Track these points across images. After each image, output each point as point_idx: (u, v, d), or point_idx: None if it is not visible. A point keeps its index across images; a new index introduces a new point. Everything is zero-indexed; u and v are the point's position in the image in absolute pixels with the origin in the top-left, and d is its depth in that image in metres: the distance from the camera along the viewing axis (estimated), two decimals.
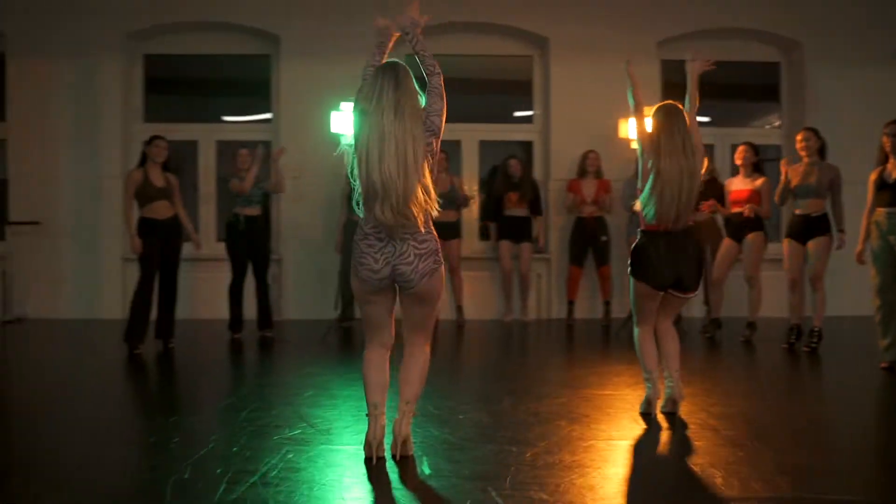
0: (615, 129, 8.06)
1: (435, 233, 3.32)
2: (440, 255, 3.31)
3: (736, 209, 6.95)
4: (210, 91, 9.21)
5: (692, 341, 7.00)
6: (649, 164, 4.06)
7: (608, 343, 7.11)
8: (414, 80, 3.31)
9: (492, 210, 8.35)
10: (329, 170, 7.80)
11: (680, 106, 4.13)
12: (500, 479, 3.03)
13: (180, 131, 8.46)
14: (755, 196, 6.84)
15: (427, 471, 3.16)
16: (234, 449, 3.47)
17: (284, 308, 8.41)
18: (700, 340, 7.05)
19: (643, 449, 3.63)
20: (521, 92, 9.04)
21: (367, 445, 3.27)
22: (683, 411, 4.15)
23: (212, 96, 9.20)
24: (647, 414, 4.13)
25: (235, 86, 9.14)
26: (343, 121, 7.30)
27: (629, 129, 7.66)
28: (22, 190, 8.45)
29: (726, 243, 7.03)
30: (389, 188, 3.12)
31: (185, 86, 9.22)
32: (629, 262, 4.21)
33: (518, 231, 8.16)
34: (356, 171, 3.24)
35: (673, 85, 8.84)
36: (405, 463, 3.23)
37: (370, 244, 3.23)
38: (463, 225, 8.63)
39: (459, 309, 8.15)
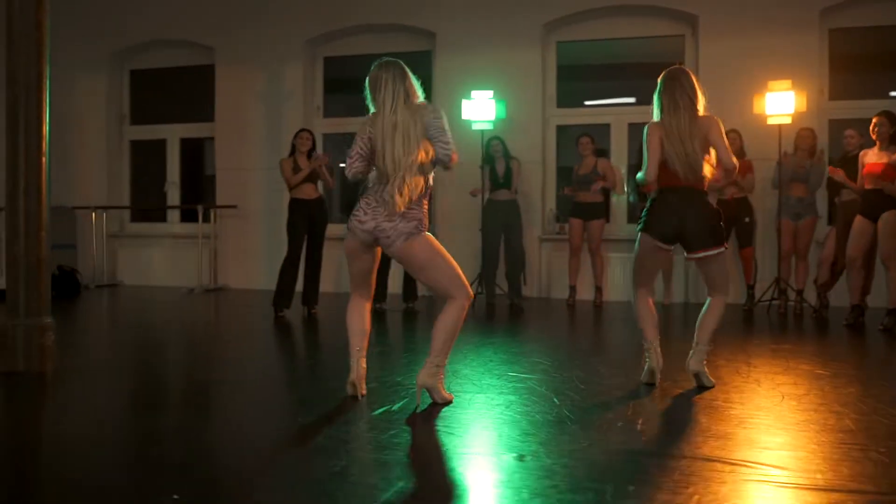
0: (751, 105, 7.71)
1: (426, 208, 3.75)
2: (424, 225, 3.72)
3: (869, 185, 6.47)
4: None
5: (824, 330, 6.63)
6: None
7: (752, 325, 6.88)
8: (412, 76, 3.81)
9: (637, 186, 8.39)
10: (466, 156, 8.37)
11: (685, 69, 4.32)
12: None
13: (354, 125, 9.40)
14: (890, 171, 6.31)
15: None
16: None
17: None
18: (837, 329, 6.64)
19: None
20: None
21: (349, 384, 3.86)
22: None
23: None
24: (650, 384, 4.21)
25: None
26: (473, 108, 7.82)
27: (766, 105, 7.31)
28: (225, 179, 9.90)
29: (858, 221, 6.54)
30: (399, 168, 3.65)
31: (359, 84, 10.13)
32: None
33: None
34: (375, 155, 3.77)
35: (840, 56, 8.30)
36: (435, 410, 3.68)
37: (367, 202, 3.76)
38: (610, 207, 8.77)
39: (598, 290, 8.29)
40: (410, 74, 3.85)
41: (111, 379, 4.76)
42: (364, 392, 3.90)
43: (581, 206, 8.19)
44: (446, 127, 3.73)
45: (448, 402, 3.77)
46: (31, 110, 4.69)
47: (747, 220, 7.69)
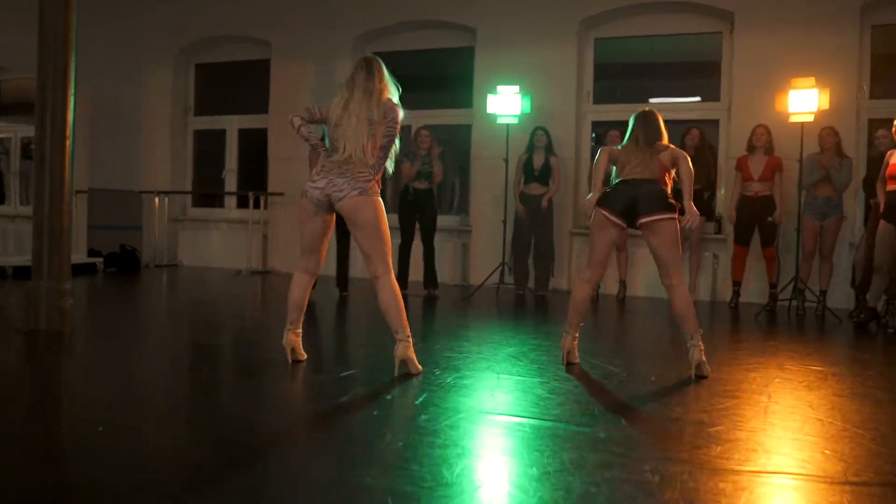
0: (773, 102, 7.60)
1: (376, 186, 4.08)
2: (375, 190, 4.07)
3: (892, 186, 6.34)
4: (419, 84, 10.40)
5: (837, 331, 6.56)
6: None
7: (772, 329, 6.87)
8: (386, 71, 4.15)
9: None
10: (497, 150, 8.63)
11: (654, 111, 4.63)
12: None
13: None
14: None
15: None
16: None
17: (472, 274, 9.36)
18: (846, 332, 6.55)
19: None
20: (709, 73, 8.86)
21: (284, 348, 4.27)
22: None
23: (421, 89, 10.39)
24: (570, 363, 4.45)
25: (444, 76, 10.20)
26: (498, 102, 8.03)
27: (789, 103, 7.23)
28: (277, 168, 10.42)
29: (882, 227, 6.43)
30: (348, 140, 4.08)
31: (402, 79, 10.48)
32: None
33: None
34: (327, 126, 4.22)
35: (882, 56, 8.08)
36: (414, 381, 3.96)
37: (320, 168, 4.15)
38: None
39: (623, 284, 8.36)
40: (387, 74, 4.25)
41: (120, 343, 5.25)
42: (303, 356, 4.29)
43: None
44: (398, 120, 4.11)
45: (420, 373, 4.08)
46: (57, 97, 5.20)
47: (770, 219, 7.59)
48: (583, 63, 9.19)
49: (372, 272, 4.09)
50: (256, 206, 10.34)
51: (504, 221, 8.55)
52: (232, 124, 11.12)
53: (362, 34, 10.06)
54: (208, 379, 4.22)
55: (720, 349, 5.28)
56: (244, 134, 11.11)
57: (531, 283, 8.53)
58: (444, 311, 7.14)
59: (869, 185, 7.22)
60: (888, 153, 6.49)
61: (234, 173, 11.12)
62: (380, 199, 4.10)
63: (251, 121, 11.00)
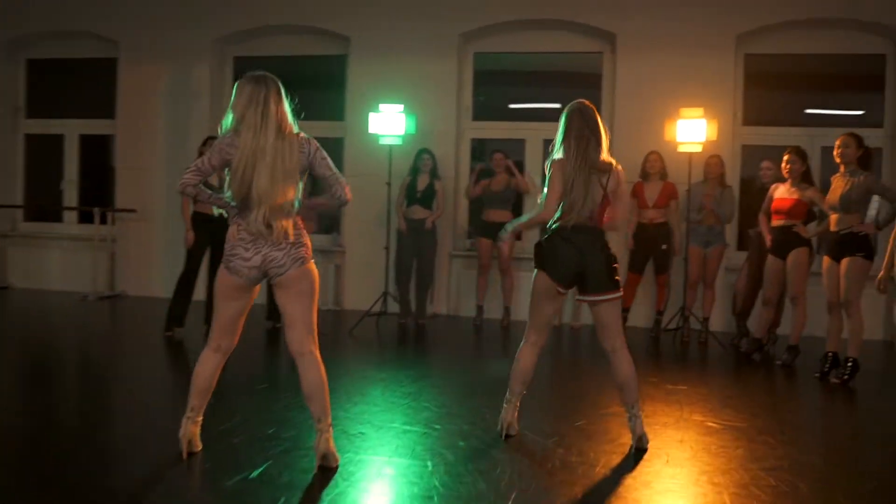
0: (663, 131, 7.59)
1: (309, 243, 3.48)
2: (310, 259, 3.47)
3: (778, 221, 6.42)
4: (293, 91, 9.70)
5: (725, 363, 6.59)
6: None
7: (656, 356, 6.77)
8: (286, 100, 3.46)
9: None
10: (376, 168, 8.16)
11: (589, 104, 4.01)
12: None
13: None
14: (800, 207, 6.27)
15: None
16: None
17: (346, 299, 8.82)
18: (738, 363, 6.60)
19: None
20: (589, 95, 8.73)
21: (180, 441, 3.54)
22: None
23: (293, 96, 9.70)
24: (509, 435, 4.02)
25: (315, 86, 9.56)
26: (381, 121, 7.54)
27: (677, 132, 7.21)
28: (126, 180, 9.40)
29: (770, 261, 6.49)
30: (263, 199, 3.30)
31: None
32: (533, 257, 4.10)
33: None
34: (230, 179, 3.40)
35: (755, 79, 8.27)
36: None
37: (243, 238, 3.41)
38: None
39: (507, 310, 8.11)
40: (286, 99, 3.51)
41: None
42: (199, 447, 3.59)
43: (490, 225, 7.98)
44: (331, 162, 3.50)
45: (338, 463, 3.51)
46: None
47: (665, 246, 7.56)
48: (463, 78, 8.85)
49: (296, 346, 3.43)
50: (103, 221, 9.29)
51: (387, 248, 8.07)
52: (71, 129, 9.93)
53: (223, 36, 9.24)
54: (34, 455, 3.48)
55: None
56: (87, 140, 9.96)
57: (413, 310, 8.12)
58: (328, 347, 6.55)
59: (746, 215, 7.32)
60: (772, 186, 6.57)
61: (75, 184, 9.95)
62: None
63: (95, 126, 9.88)
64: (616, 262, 3.99)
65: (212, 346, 3.55)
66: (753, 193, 7.40)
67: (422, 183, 7.91)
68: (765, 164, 7.18)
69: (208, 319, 6.93)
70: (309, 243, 3.48)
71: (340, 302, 8.84)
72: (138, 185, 9.29)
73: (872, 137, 8.26)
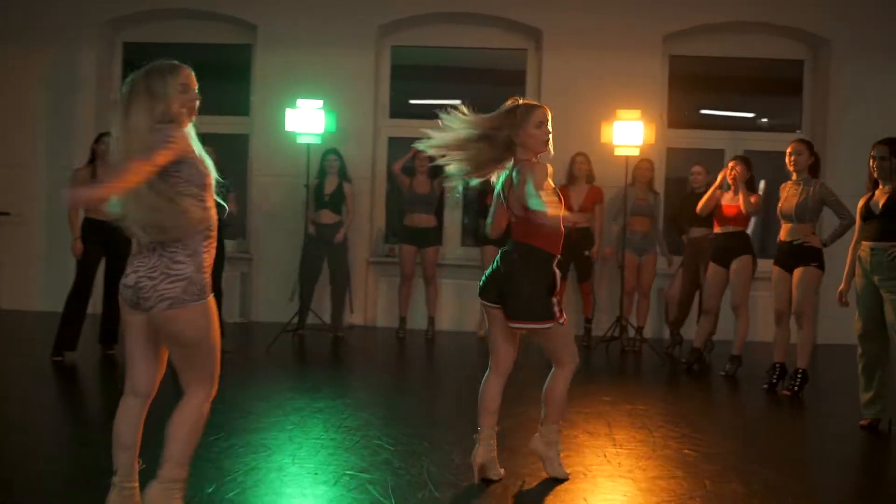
0: (599, 132, 7.34)
1: (208, 271, 2.73)
2: (204, 291, 2.68)
3: (720, 228, 6.27)
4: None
5: (663, 374, 6.38)
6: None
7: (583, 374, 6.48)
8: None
9: (480, 208, 7.84)
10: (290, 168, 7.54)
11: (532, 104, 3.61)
12: None
13: None
14: (740, 213, 6.14)
15: None
16: None
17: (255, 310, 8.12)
18: (675, 372, 6.41)
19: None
20: (514, 93, 8.36)
21: None
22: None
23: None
24: (489, 479, 3.54)
25: (216, 76, 8.77)
26: (299, 118, 6.92)
27: (612, 135, 6.95)
28: None
29: (712, 269, 6.34)
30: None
31: None
32: None
33: (505, 235, 7.52)
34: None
35: (679, 80, 8.16)
36: None
37: (133, 250, 2.78)
38: (443, 230, 8.17)
39: (431, 320, 7.64)
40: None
41: None
42: None
43: (414, 230, 7.50)
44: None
45: None
46: None
47: (587, 253, 7.29)
48: (380, 73, 8.31)
49: (185, 391, 2.77)
50: None
51: (302, 255, 7.46)
52: None
53: (113, 20, 8.31)
54: None
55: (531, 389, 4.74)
56: None
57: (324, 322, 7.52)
58: (239, 370, 5.90)
59: (680, 221, 7.14)
60: (718, 194, 6.39)
61: None
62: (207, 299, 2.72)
63: None
64: (550, 290, 3.45)
65: (125, 392, 2.85)
66: (682, 198, 7.24)
67: (330, 185, 7.35)
68: (696, 168, 7.04)
69: (104, 338, 6.14)
70: (197, 273, 2.67)
71: (248, 314, 8.12)
72: (13, 184, 8.23)
73: (789, 142, 8.33)
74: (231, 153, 7.95)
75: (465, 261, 8.12)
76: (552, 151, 3.52)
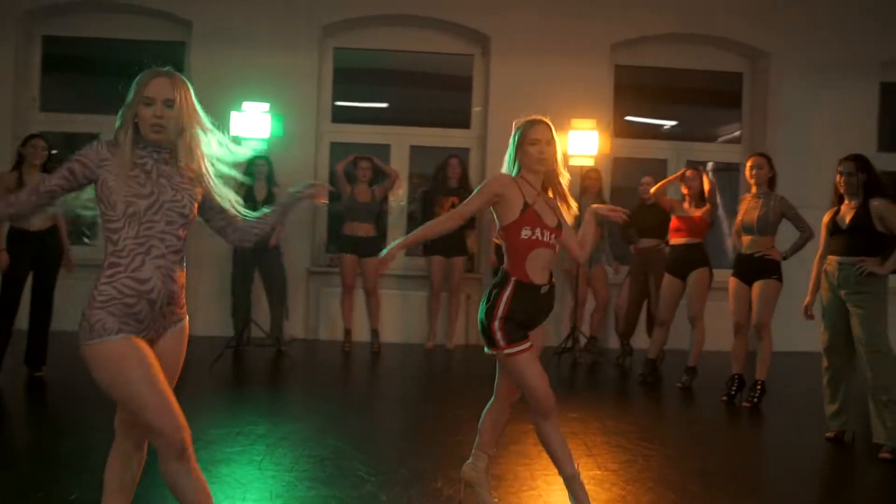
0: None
1: (108, 307, 2.28)
2: (92, 331, 2.27)
3: (678, 238, 6.26)
4: (117, 78, 8.33)
5: (615, 385, 6.34)
6: None
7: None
8: None
9: (425, 219, 7.62)
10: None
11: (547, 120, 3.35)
12: None
13: (81, 122, 7.64)
14: (700, 225, 6.14)
15: None
16: None
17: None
18: (629, 384, 6.39)
19: None
20: (460, 98, 8.25)
21: None
22: None
23: (118, 84, 8.33)
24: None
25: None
26: (244, 123, 6.56)
27: (567, 144, 6.87)
28: None
29: (667, 280, 6.32)
30: None
31: (88, 72, 8.33)
32: None
33: (451, 244, 7.36)
34: None
35: (625, 89, 8.18)
36: None
37: None
38: (385, 240, 7.91)
39: (374, 333, 7.38)
40: None
41: None
42: None
43: (354, 239, 7.23)
44: None
45: None
46: None
47: None
48: (323, 76, 8.00)
49: None
50: None
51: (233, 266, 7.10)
52: None
53: (31, 11, 7.72)
54: None
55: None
56: None
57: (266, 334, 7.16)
58: (186, 393, 5.49)
59: (627, 232, 7.11)
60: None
61: None
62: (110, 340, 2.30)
63: None
64: (499, 319, 3.07)
65: (117, 438, 2.51)
66: (632, 209, 7.21)
67: (260, 192, 6.98)
68: (645, 179, 7.03)
69: (31, 360, 5.65)
70: (91, 313, 2.28)
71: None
72: None
73: (731, 153, 8.49)
74: None
75: (411, 271, 7.89)
76: (562, 172, 3.25)
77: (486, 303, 3.13)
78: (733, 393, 5.78)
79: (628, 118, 8.36)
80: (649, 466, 4.14)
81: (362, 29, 7.99)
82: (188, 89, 2.49)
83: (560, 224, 3.21)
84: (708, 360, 6.63)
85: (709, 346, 6.37)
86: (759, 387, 5.63)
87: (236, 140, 6.61)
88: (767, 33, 7.98)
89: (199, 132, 2.49)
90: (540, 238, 3.11)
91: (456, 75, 8.28)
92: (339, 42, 8.05)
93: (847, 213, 4.76)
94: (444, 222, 3.26)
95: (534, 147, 3.19)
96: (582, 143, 6.77)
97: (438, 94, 8.50)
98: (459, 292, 7.60)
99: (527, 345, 3.07)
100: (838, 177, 4.79)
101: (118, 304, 2.28)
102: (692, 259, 6.17)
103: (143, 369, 2.28)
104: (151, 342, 2.40)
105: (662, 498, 3.66)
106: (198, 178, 2.49)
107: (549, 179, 3.23)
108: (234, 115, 6.64)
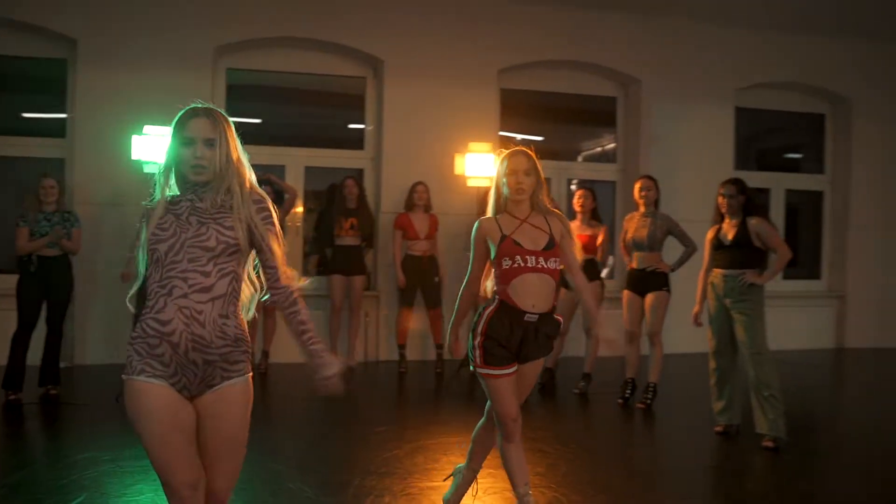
0: (451, 164, 7.57)
1: (142, 345, 2.31)
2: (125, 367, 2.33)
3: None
4: None
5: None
6: None
7: (440, 392, 6.65)
8: None
9: (322, 238, 7.73)
10: (129, 198, 6.94)
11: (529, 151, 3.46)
12: None
13: None
14: (590, 242, 6.60)
15: None
16: None
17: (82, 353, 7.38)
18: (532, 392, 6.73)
19: None
20: (354, 119, 8.42)
21: None
22: None
23: None
24: None
25: (20, 94, 7.91)
26: (144, 146, 6.44)
27: (465, 167, 7.21)
28: None
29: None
30: None
31: None
32: None
33: (350, 262, 7.51)
34: None
35: (511, 112, 8.62)
36: None
37: None
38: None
39: (265, 354, 7.38)
40: None
41: None
42: None
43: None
44: None
45: None
46: None
47: (437, 279, 7.46)
48: (215, 96, 7.92)
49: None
50: None
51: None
52: None
53: None
54: None
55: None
56: None
57: None
58: (108, 428, 5.35)
59: None
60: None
61: None
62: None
63: None
64: (479, 330, 3.28)
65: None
66: None
67: None
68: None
69: (45, 378, 5.96)
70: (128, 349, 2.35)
71: (72, 357, 7.35)
72: None
73: (608, 171, 9.11)
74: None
75: (309, 290, 7.94)
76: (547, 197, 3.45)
77: (474, 320, 3.34)
78: (627, 395, 6.26)
79: (513, 138, 8.78)
80: (574, 469, 4.48)
81: (256, 49, 8.00)
82: (230, 126, 2.44)
83: (552, 243, 3.29)
84: (603, 364, 7.09)
85: (602, 352, 6.84)
86: (651, 389, 6.14)
87: (139, 163, 6.57)
88: (636, 62, 8.65)
89: (242, 169, 2.46)
90: (522, 265, 3.23)
91: (349, 95, 8.43)
92: (233, 62, 8.02)
93: (729, 230, 5.31)
94: (469, 290, 3.40)
95: (512, 178, 3.30)
96: (478, 165, 7.10)
97: (333, 115, 8.63)
98: (360, 310, 7.73)
99: (504, 371, 3.24)
100: (720, 198, 5.35)
101: (142, 343, 2.30)
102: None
103: (153, 421, 2.26)
104: (193, 397, 2.35)
105: (591, 499, 3.99)
106: (237, 212, 2.40)
107: (535, 203, 3.36)
108: (135, 138, 6.48)
